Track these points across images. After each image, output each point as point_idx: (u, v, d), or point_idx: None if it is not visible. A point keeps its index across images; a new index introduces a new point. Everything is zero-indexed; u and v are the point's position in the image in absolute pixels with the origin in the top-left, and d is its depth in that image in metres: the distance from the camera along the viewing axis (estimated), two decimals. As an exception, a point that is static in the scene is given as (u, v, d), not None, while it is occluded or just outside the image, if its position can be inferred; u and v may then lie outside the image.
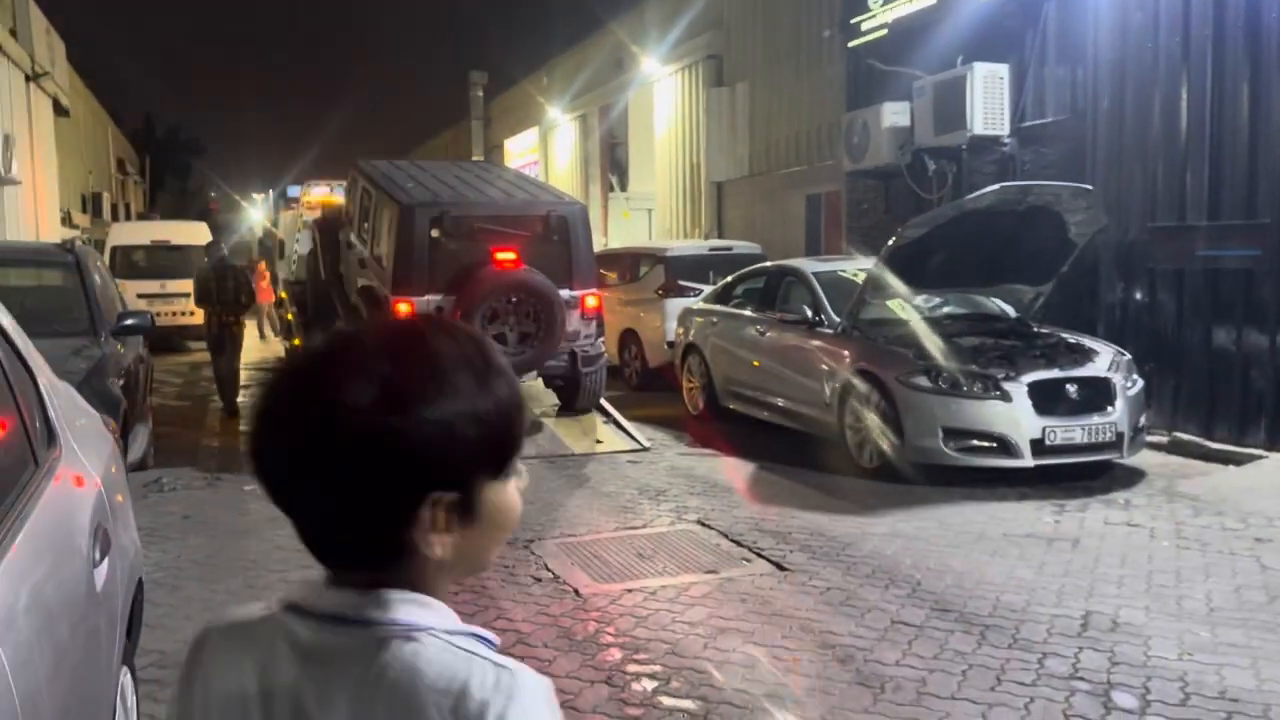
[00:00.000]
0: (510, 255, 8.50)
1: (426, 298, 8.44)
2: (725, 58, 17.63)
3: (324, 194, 18.32)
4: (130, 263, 17.89)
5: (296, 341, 12.27)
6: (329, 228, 11.53)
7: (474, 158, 34.96)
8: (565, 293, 8.68)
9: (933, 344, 7.59)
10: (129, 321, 7.58)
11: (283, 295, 14.85)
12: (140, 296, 15.62)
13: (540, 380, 9.57)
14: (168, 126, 62.23)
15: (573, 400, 9.50)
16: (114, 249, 18.08)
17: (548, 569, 5.48)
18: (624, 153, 25.42)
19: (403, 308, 8.40)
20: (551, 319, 8.45)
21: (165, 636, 4.53)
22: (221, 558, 5.78)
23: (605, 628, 4.63)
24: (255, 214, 46.22)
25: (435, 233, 8.51)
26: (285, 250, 19.35)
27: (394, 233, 8.59)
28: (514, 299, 8.45)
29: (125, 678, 2.95)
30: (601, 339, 9.42)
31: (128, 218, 33.02)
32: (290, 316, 13.06)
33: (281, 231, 21.73)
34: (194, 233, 19.05)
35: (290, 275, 16.53)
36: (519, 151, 30.93)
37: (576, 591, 5.11)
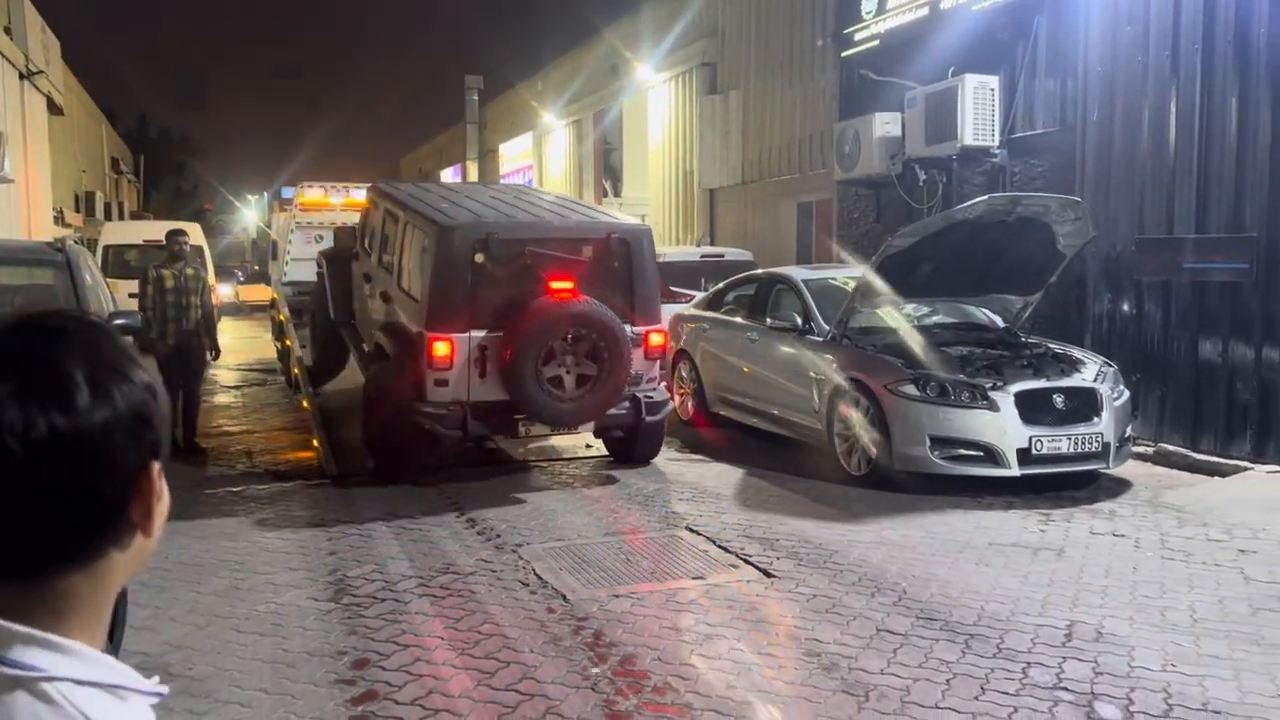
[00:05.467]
0: (567, 284, 7.39)
1: (469, 334, 7.29)
2: (719, 65, 17.68)
3: (318, 195, 18.33)
4: (122, 262, 17.84)
5: (287, 342, 12.26)
6: (340, 260, 10.32)
7: (468, 161, 35.00)
8: (627, 329, 7.51)
9: (921, 353, 7.63)
10: (119, 321, 7.56)
11: (275, 296, 14.83)
12: (132, 296, 15.57)
13: (591, 432, 8.15)
14: (162, 126, 62.22)
15: (630, 452, 8.23)
16: (106, 248, 18.02)
17: (535, 574, 5.49)
18: (618, 158, 25.50)
19: (440, 347, 7.25)
20: (616, 358, 7.31)
21: (150, 639, 4.53)
22: (208, 559, 5.78)
23: (592, 633, 4.64)
24: (249, 215, 46.18)
25: (479, 258, 7.36)
26: (278, 251, 19.33)
27: (430, 260, 7.42)
28: (572, 335, 7.33)
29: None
30: (665, 383, 8.22)
31: (121, 217, 32.93)
32: (282, 318, 13.04)
33: (275, 232, 21.73)
34: (188, 233, 18.98)
35: (282, 276, 16.52)
36: (513, 156, 30.97)
37: (564, 597, 5.12)
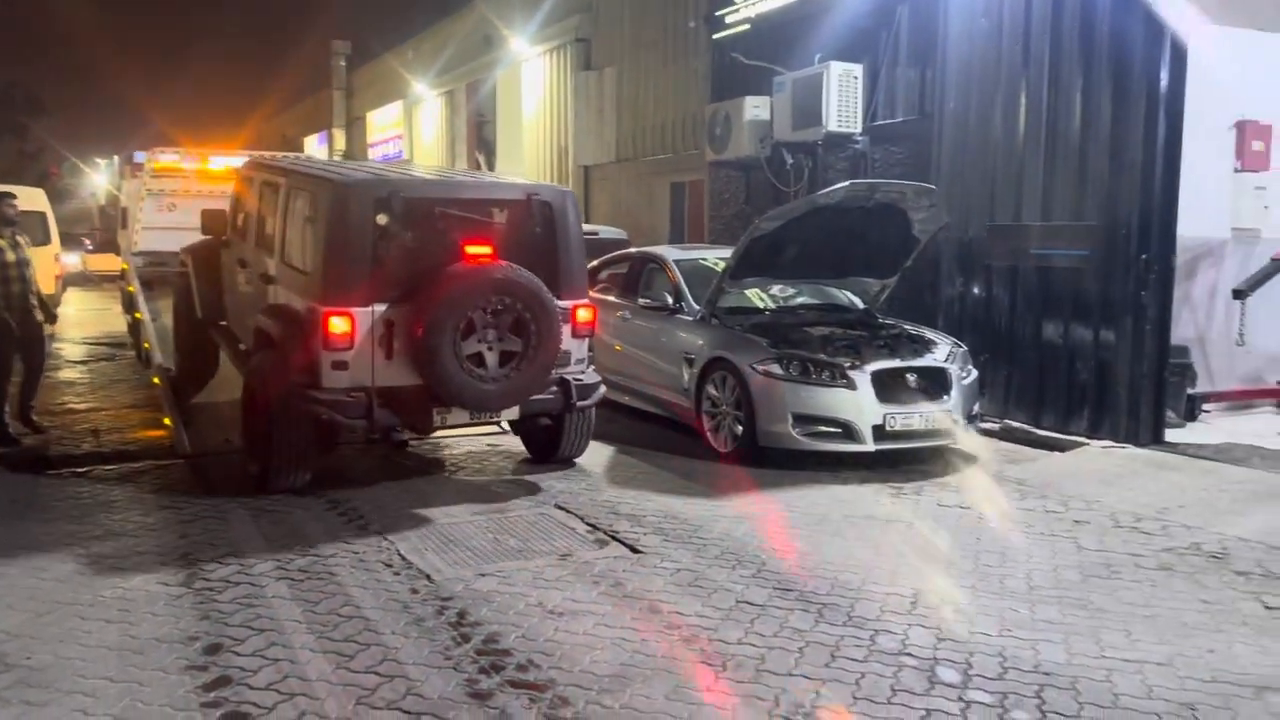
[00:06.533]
0: (485, 249, 6.55)
1: (372, 308, 6.37)
2: (594, 42, 17.63)
3: (173, 161, 17.49)
4: None
5: (138, 315, 11.71)
6: (206, 250, 9.14)
7: (335, 129, 33.96)
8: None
9: (784, 333, 7.84)
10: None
11: (124, 267, 14.14)
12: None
13: (511, 420, 7.12)
14: (3, 83, 58.13)
15: (555, 446, 7.49)
16: (-63, 213, 16.82)
17: (400, 555, 5.43)
18: (492, 131, 25.17)
19: (337, 323, 6.29)
20: (545, 331, 6.52)
21: (-15, 628, 4.30)
22: (50, 543, 5.51)
23: (456, 613, 4.62)
24: (99, 180, 43.79)
25: (381, 220, 6.47)
26: (129, 220, 18.41)
27: (323, 224, 6.48)
28: (492, 306, 6.44)
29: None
30: (593, 366, 7.56)
31: (-47, 180, 30.79)
32: (131, 289, 12.45)
33: (126, 199, 20.67)
34: (30, 199, 17.88)
35: (133, 246, 15.76)
36: (382, 124, 30.21)
37: (429, 577, 5.08)
